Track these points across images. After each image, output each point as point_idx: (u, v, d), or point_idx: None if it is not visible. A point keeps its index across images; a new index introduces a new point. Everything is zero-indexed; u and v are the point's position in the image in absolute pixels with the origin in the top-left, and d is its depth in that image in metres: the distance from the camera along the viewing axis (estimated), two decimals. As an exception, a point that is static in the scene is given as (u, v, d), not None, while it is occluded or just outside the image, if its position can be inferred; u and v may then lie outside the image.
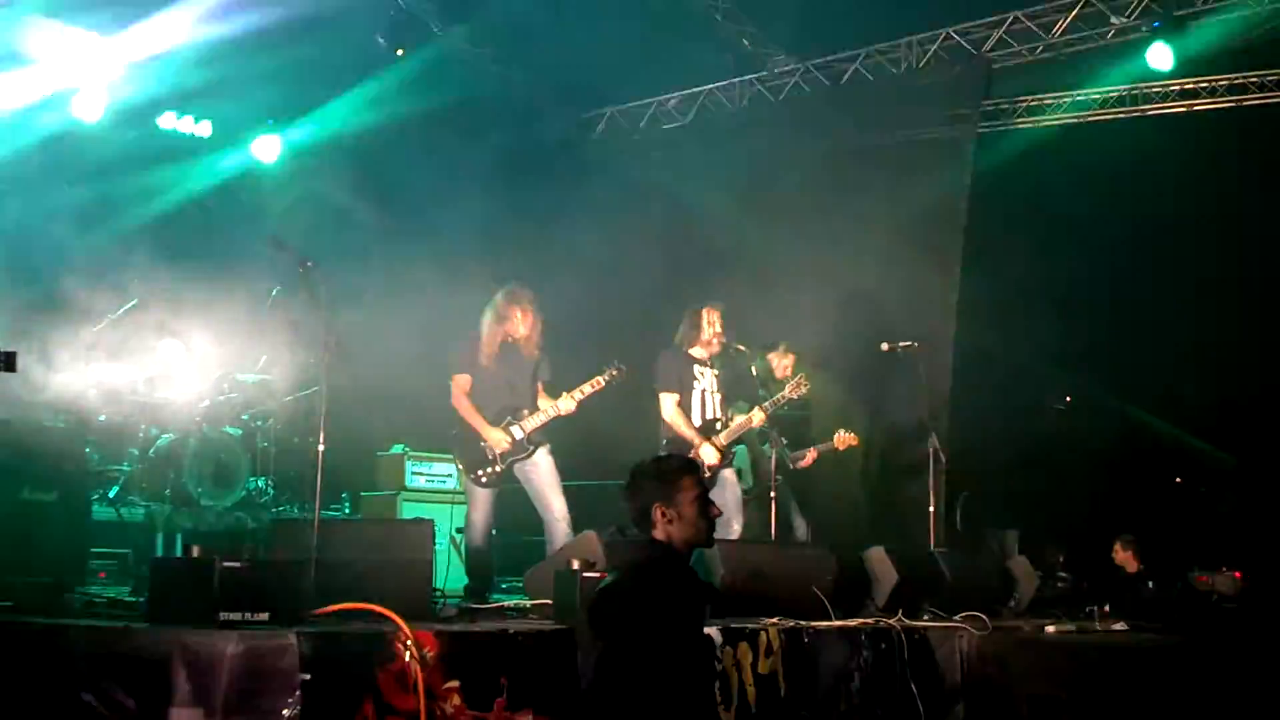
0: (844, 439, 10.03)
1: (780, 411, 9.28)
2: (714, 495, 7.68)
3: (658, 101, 13.43)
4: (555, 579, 6.49)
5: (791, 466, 9.65)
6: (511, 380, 8.05)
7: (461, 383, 8.01)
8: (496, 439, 7.87)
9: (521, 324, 8.08)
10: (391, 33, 11.31)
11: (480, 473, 7.88)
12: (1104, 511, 12.07)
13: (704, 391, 8.63)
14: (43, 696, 4.86)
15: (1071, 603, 8.95)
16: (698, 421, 8.55)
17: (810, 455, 9.88)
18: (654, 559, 4.60)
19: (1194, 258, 12.28)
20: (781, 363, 9.95)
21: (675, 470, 4.75)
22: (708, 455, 8.27)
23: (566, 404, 8.05)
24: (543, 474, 7.93)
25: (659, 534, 4.62)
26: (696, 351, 8.69)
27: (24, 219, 10.88)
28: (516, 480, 8.06)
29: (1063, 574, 10.59)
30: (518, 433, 7.91)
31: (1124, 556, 10.47)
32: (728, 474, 8.52)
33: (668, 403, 8.51)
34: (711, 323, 8.63)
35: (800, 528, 9.41)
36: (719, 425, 8.57)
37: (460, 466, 8.02)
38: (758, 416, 8.59)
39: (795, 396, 8.92)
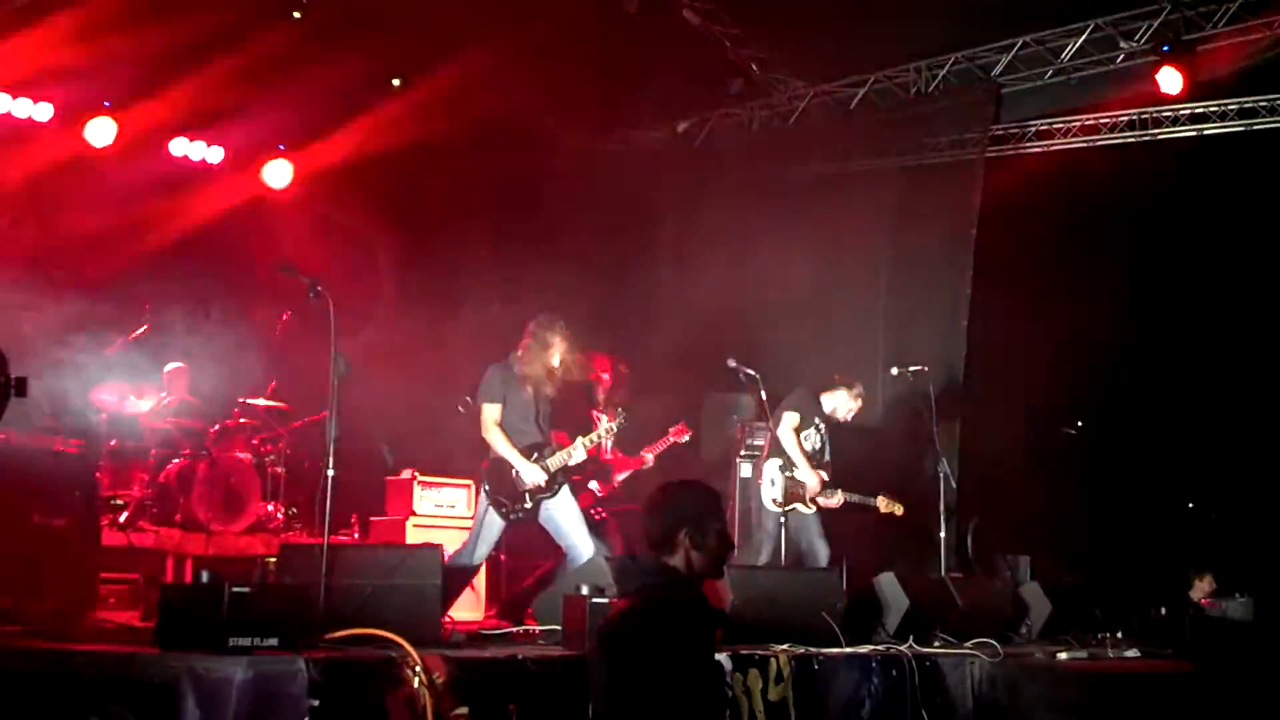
0: (889, 505, 9.55)
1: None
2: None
3: (669, 125, 13.44)
4: (565, 604, 6.48)
5: (821, 504, 9.35)
6: (535, 412, 7.92)
7: (492, 412, 7.83)
8: (533, 474, 7.71)
9: (556, 356, 7.91)
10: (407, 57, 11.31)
11: (512, 507, 7.73)
12: (1117, 537, 12.03)
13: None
14: (51, 721, 4.86)
15: (1084, 629, 8.90)
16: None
17: (839, 499, 9.41)
18: (666, 585, 4.57)
19: (1205, 282, 12.26)
20: (849, 405, 9.64)
21: (712, 499, 4.73)
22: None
23: (579, 453, 7.95)
24: (566, 512, 7.83)
25: (678, 559, 4.58)
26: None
27: (36, 244, 10.93)
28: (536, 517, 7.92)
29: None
30: (548, 469, 7.77)
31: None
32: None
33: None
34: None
35: (822, 553, 9.29)
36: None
37: (488, 497, 7.79)
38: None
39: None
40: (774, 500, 9.31)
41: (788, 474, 9.31)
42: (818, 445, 9.48)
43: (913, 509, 10.90)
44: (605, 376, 9.35)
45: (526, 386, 7.87)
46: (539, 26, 11.15)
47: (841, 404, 9.62)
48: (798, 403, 9.45)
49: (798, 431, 9.34)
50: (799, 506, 9.25)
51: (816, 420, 9.49)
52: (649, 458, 9.37)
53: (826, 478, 9.37)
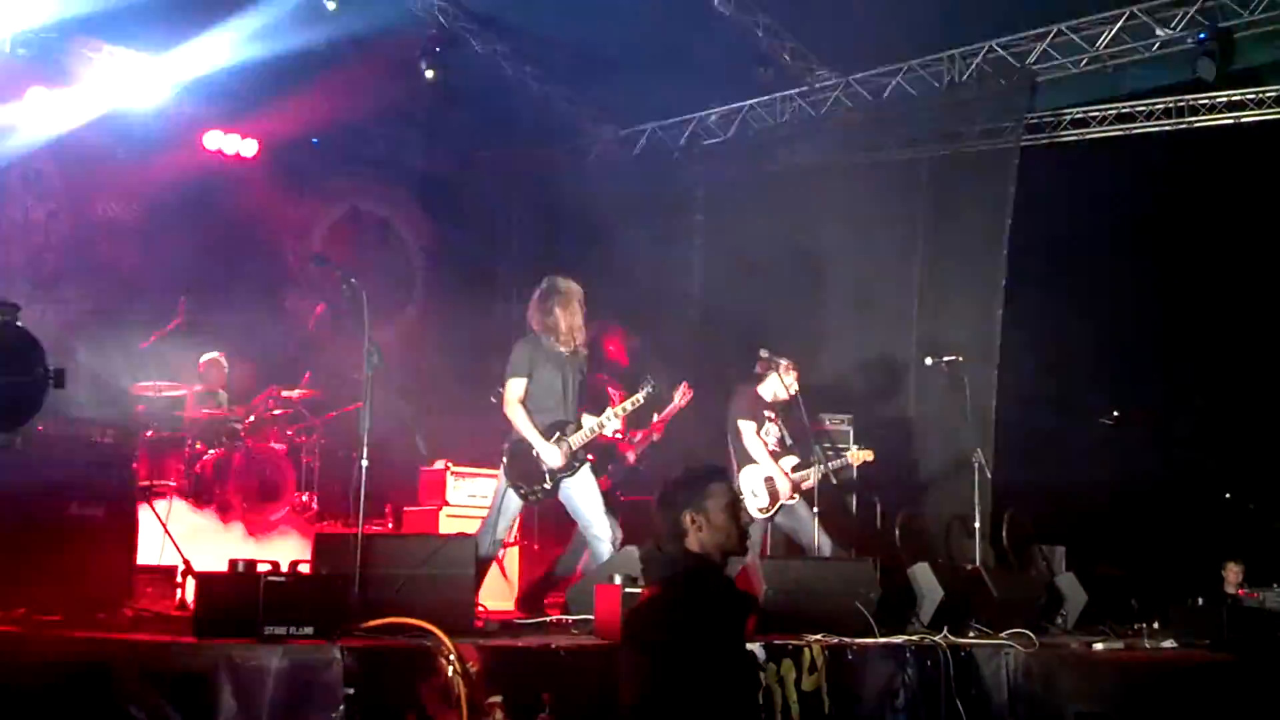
0: (858, 455, 9.61)
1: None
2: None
3: (698, 117, 13.42)
4: (597, 594, 6.49)
5: (804, 487, 9.24)
6: (562, 389, 7.78)
7: (516, 388, 7.70)
8: (552, 456, 7.61)
9: (575, 307, 7.76)
10: (431, 52, 11.32)
11: (531, 488, 7.68)
12: (1154, 527, 11.95)
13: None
14: (89, 711, 4.89)
15: (1120, 620, 8.84)
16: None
17: (815, 477, 9.22)
18: (690, 571, 4.58)
19: (1243, 271, 12.15)
20: (786, 380, 9.46)
21: (704, 476, 4.73)
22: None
23: (611, 423, 7.87)
24: (585, 492, 7.73)
25: (691, 543, 4.59)
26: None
27: (73, 237, 11.03)
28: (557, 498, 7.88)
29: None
30: (567, 449, 7.66)
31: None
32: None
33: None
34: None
35: (826, 546, 9.21)
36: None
37: (507, 476, 7.74)
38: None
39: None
40: (760, 509, 9.27)
41: (765, 476, 9.31)
42: (778, 435, 9.43)
43: (948, 500, 10.91)
44: (613, 348, 9.31)
45: (556, 358, 7.74)
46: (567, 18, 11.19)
47: (778, 385, 9.47)
48: (744, 409, 9.38)
49: (759, 434, 9.33)
50: (783, 501, 9.25)
51: (766, 414, 9.42)
52: (654, 434, 9.40)
53: (796, 461, 9.33)
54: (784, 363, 9.53)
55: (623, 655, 4.56)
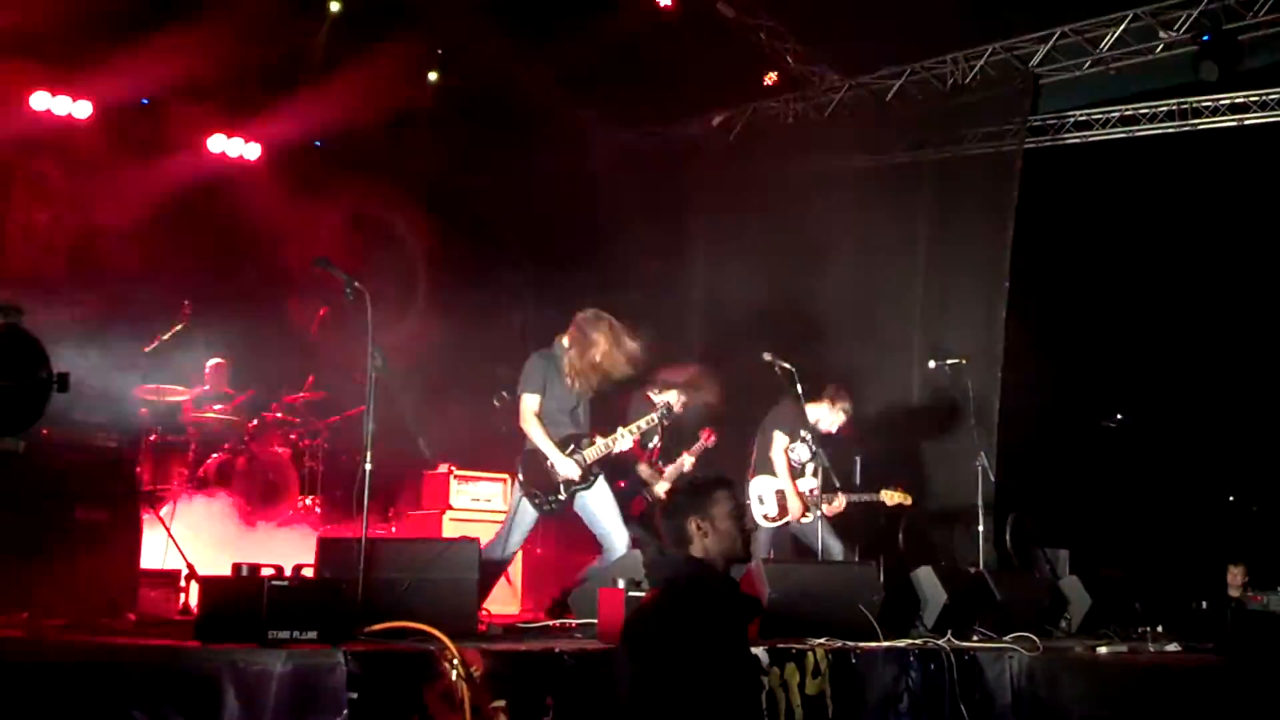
0: (894, 497, 9.39)
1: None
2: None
3: (703, 119, 13.42)
4: (600, 598, 6.49)
5: (821, 510, 9.15)
6: (575, 404, 7.86)
7: (531, 403, 7.76)
8: (568, 468, 7.66)
9: (598, 355, 7.80)
10: (434, 54, 11.36)
11: (546, 499, 7.71)
12: (1158, 530, 11.93)
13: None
14: (93, 715, 4.90)
15: (1124, 623, 8.83)
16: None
17: (841, 503, 9.25)
18: (692, 576, 4.60)
19: (1245, 273, 12.13)
20: (831, 418, 9.41)
21: (709, 485, 4.79)
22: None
23: (624, 441, 7.90)
24: (602, 503, 7.78)
25: (696, 549, 4.63)
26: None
27: (77, 240, 11.03)
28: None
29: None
30: (583, 462, 7.71)
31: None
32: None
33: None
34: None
35: (835, 550, 9.19)
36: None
37: (522, 488, 7.76)
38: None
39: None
40: (766, 516, 9.25)
41: (777, 489, 9.28)
42: (805, 457, 9.31)
43: (952, 503, 10.89)
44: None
45: (568, 377, 7.81)
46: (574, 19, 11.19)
47: (824, 416, 9.42)
48: (781, 420, 9.33)
49: (786, 451, 9.29)
50: (790, 519, 9.23)
51: (803, 432, 9.29)
52: (687, 460, 9.45)
53: (819, 486, 9.21)
54: (842, 403, 9.45)
55: (620, 658, 4.56)
